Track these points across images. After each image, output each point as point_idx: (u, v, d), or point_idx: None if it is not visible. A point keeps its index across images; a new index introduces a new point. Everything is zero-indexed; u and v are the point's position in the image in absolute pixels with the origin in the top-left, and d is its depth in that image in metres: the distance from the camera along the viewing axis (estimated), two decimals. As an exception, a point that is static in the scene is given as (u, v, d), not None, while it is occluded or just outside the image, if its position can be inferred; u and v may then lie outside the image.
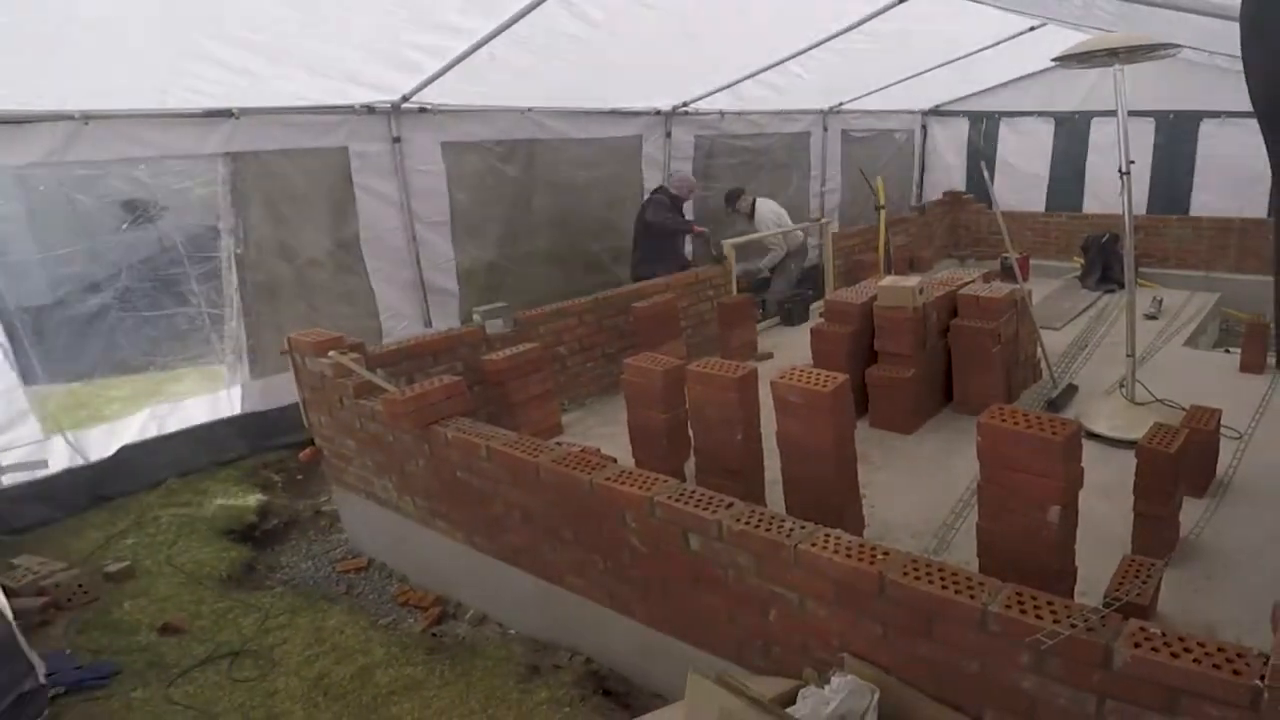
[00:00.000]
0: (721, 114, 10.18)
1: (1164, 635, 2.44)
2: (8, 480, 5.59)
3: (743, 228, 9.73)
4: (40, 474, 5.69)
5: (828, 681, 3.04)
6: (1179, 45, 5.18)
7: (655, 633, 3.84)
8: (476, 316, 6.54)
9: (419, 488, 4.82)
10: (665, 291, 7.44)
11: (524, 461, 4.04)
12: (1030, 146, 12.84)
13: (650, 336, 6.85)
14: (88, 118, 5.57)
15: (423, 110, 7.30)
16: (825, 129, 12.03)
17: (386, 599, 5.06)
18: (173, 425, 6.36)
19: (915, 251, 11.86)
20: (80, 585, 4.89)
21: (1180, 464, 4.08)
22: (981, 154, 13.01)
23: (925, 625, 2.85)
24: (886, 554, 2.99)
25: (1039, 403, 6.36)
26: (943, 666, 2.86)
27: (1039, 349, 6.89)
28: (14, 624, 3.88)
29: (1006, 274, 8.75)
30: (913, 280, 6.06)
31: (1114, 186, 5.53)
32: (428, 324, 7.74)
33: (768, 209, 9.85)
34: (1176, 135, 11.35)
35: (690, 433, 5.10)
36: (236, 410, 6.68)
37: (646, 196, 9.15)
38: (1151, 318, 8.87)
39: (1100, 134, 12.01)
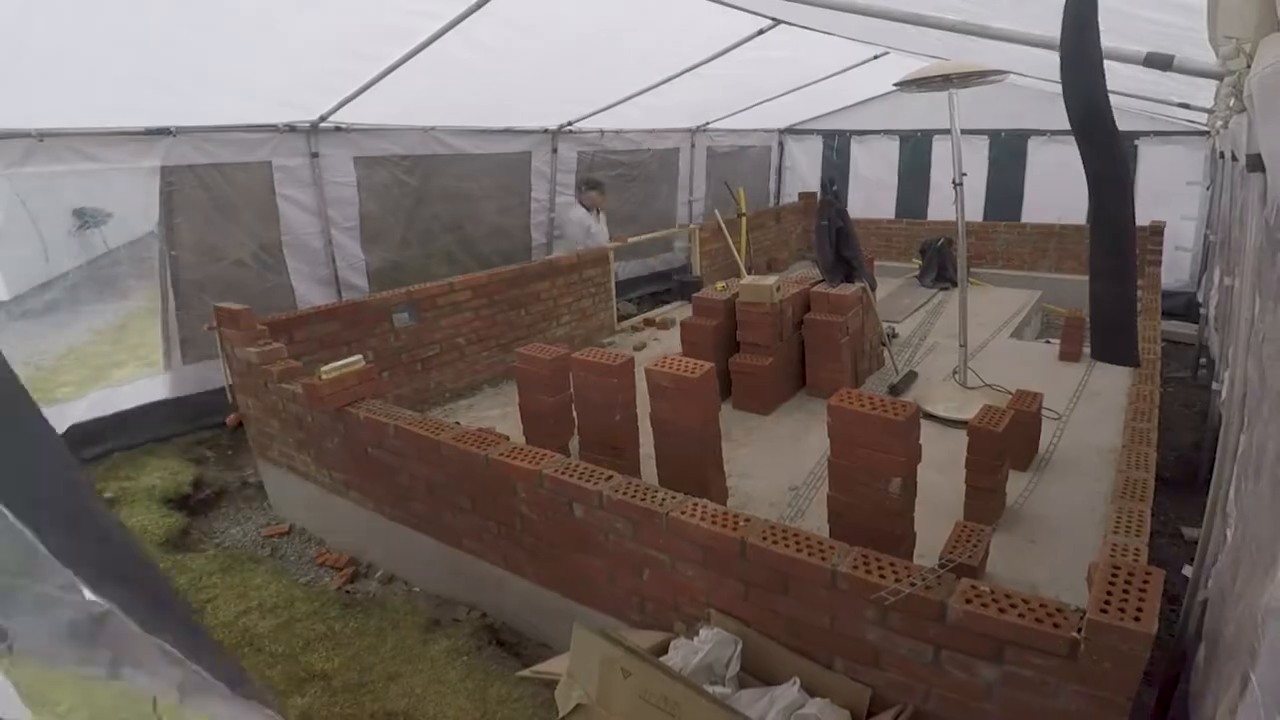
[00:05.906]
0: (602, 132, 9.96)
1: (992, 593, 2.39)
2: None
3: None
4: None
5: (696, 634, 3.00)
6: (1006, 72, 5.11)
7: (543, 591, 3.72)
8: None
9: (335, 462, 4.59)
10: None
11: (427, 439, 3.88)
12: (879, 161, 12.69)
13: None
14: (42, 135, 5.29)
15: (338, 129, 7.05)
16: (693, 145, 11.81)
17: (306, 560, 4.85)
18: (115, 407, 6.03)
19: (772, 253, 11.77)
20: (37, 548, 4.54)
21: (1006, 442, 4.04)
22: (835, 168, 12.91)
23: (782, 584, 2.77)
24: (747, 521, 2.91)
25: (882, 388, 6.25)
26: (798, 620, 2.79)
27: (882, 339, 6.83)
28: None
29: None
30: (771, 279, 5.94)
31: (953, 195, 5.46)
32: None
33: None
34: (1008, 151, 11.34)
35: (574, 414, 4.92)
36: (171, 394, 6.33)
37: None
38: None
39: (942, 149, 11.91)
